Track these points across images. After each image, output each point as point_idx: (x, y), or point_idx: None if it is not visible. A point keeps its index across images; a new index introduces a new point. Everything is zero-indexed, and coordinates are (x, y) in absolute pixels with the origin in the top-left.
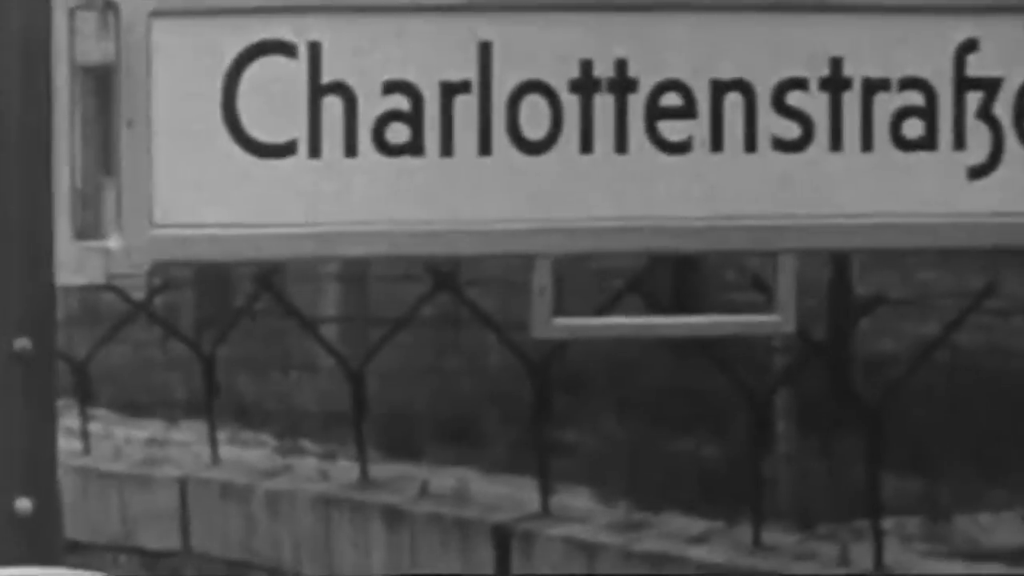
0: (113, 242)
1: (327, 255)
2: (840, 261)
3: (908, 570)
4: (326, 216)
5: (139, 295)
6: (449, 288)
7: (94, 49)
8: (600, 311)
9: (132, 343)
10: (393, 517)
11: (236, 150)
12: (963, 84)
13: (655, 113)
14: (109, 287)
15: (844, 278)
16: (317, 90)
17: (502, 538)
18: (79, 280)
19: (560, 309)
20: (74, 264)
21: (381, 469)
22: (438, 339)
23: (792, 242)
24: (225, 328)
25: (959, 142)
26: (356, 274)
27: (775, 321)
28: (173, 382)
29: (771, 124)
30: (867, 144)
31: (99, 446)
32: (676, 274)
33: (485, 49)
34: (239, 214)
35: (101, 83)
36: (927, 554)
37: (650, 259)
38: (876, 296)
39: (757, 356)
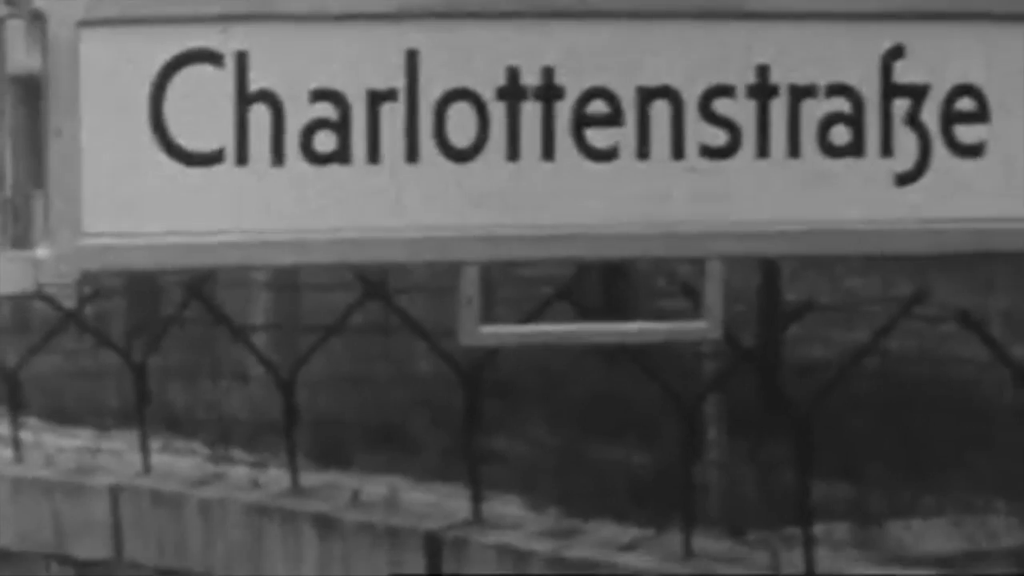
0: (42, 251)
1: (255, 263)
2: (769, 268)
3: None
4: (254, 224)
5: (70, 304)
6: (379, 296)
7: (23, 59)
8: (529, 318)
9: (63, 352)
10: (324, 525)
11: (164, 159)
12: (890, 91)
13: (582, 120)
14: (39, 296)
15: (773, 285)
16: (244, 98)
17: (433, 546)
18: (9, 289)
19: (489, 317)
20: (3, 274)
21: (312, 477)
22: (368, 347)
23: (720, 248)
24: (156, 336)
25: (886, 149)
26: (286, 282)
27: (702, 327)
28: (104, 390)
29: (698, 131)
30: (794, 151)
31: (30, 454)
32: (605, 281)
33: (412, 57)
34: (167, 223)
35: (30, 93)
36: (858, 560)
37: (579, 266)
38: (805, 302)
39: (687, 363)
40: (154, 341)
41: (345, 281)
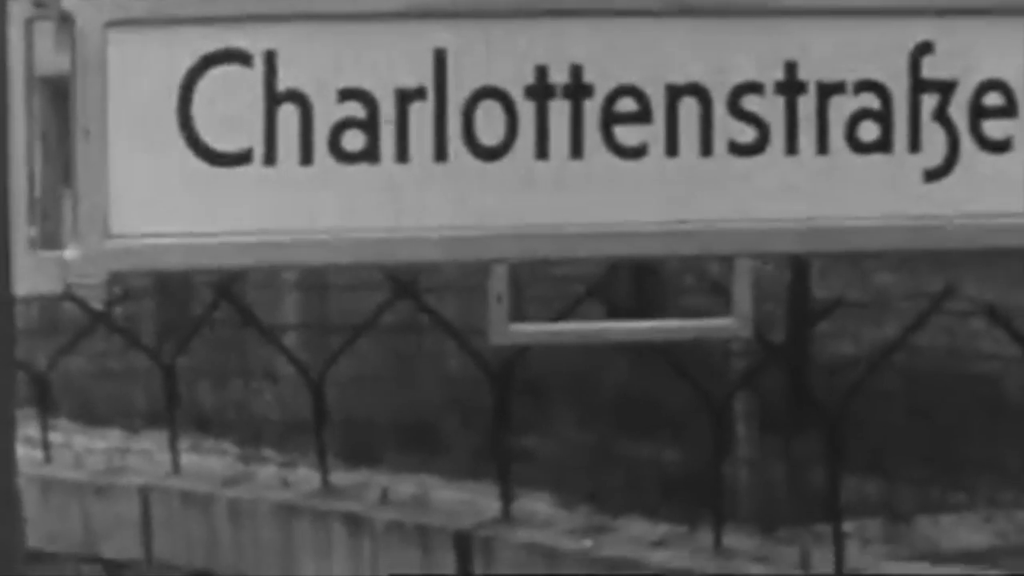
0: (70, 252)
1: (283, 264)
2: (799, 265)
3: (869, 572)
4: (282, 224)
5: (98, 305)
6: (409, 295)
7: (51, 60)
8: (560, 317)
9: (92, 353)
10: (354, 524)
11: (192, 159)
12: (918, 86)
13: (610, 118)
14: (68, 297)
15: (802, 282)
16: (272, 98)
17: (463, 544)
18: (36, 290)
19: (520, 315)
20: (32, 274)
21: (342, 477)
22: (398, 346)
23: (748, 246)
24: (185, 337)
25: (914, 144)
26: (315, 282)
27: (732, 325)
28: (134, 391)
29: (727, 128)
30: (822, 147)
31: (60, 456)
32: (636, 280)
33: (440, 56)
34: (195, 223)
35: (58, 94)
36: (888, 556)
37: (609, 265)
38: (834, 299)
39: (716, 361)
40: (183, 342)
41: (375, 281)
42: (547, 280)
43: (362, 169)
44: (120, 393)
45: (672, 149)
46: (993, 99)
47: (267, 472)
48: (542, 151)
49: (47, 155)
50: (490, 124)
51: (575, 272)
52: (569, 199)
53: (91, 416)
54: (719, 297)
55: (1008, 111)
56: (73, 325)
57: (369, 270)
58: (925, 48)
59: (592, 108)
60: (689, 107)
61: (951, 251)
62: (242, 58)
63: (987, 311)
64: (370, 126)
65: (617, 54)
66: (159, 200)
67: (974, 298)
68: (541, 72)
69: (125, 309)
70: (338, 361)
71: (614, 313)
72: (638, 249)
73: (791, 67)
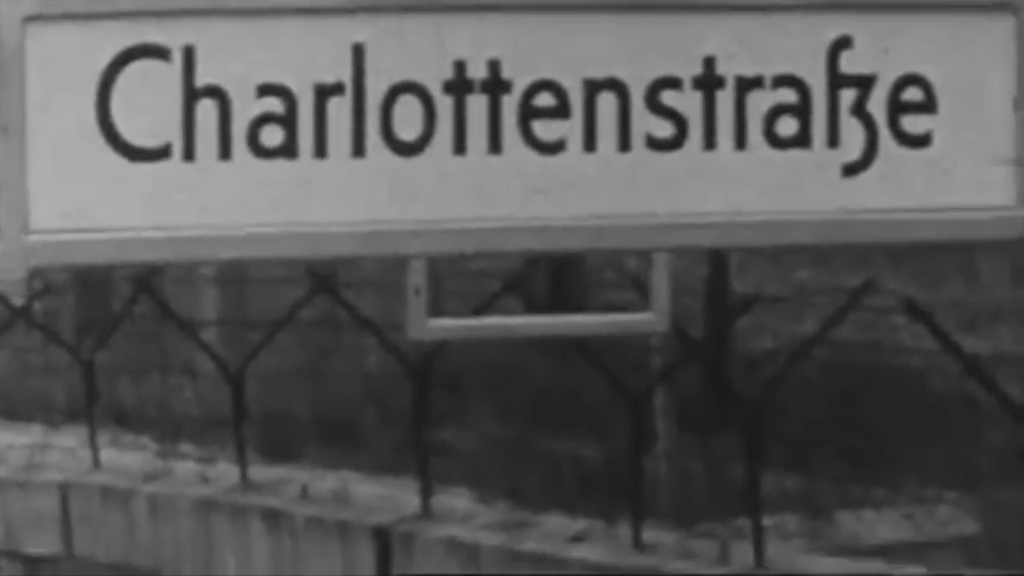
0: None
1: (202, 258)
2: (717, 260)
3: (789, 567)
4: (200, 219)
5: (19, 300)
6: (327, 290)
7: None
8: (477, 312)
9: (12, 348)
10: (274, 520)
11: (111, 154)
12: (837, 81)
13: (529, 113)
14: None
15: (721, 277)
16: (191, 93)
17: (383, 539)
18: None
19: (438, 310)
20: None
21: (261, 472)
22: (318, 342)
23: (666, 240)
24: (105, 333)
25: (833, 139)
26: (235, 277)
27: (650, 319)
28: (53, 387)
29: (645, 123)
30: (741, 142)
31: None
32: (554, 275)
33: (358, 51)
34: (114, 218)
35: None
36: (808, 551)
37: (527, 261)
38: (753, 294)
39: (635, 356)
40: (103, 337)
41: (294, 276)
42: (465, 275)
43: (280, 164)
44: (40, 389)
45: (590, 144)
46: (912, 94)
47: (186, 467)
48: (460, 146)
49: None
50: (408, 119)
51: (493, 267)
52: (487, 194)
53: (11, 412)
54: (638, 293)
55: (927, 106)
56: None
57: (287, 265)
58: (844, 43)
59: (510, 103)
60: (608, 102)
61: (870, 245)
62: (161, 53)
63: (906, 305)
64: (288, 121)
65: (535, 49)
66: (78, 195)
67: (894, 292)
68: (459, 67)
69: (45, 304)
70: (257, 356)
71: (532, 308)
72: (556, 243)
73: (709, 62)
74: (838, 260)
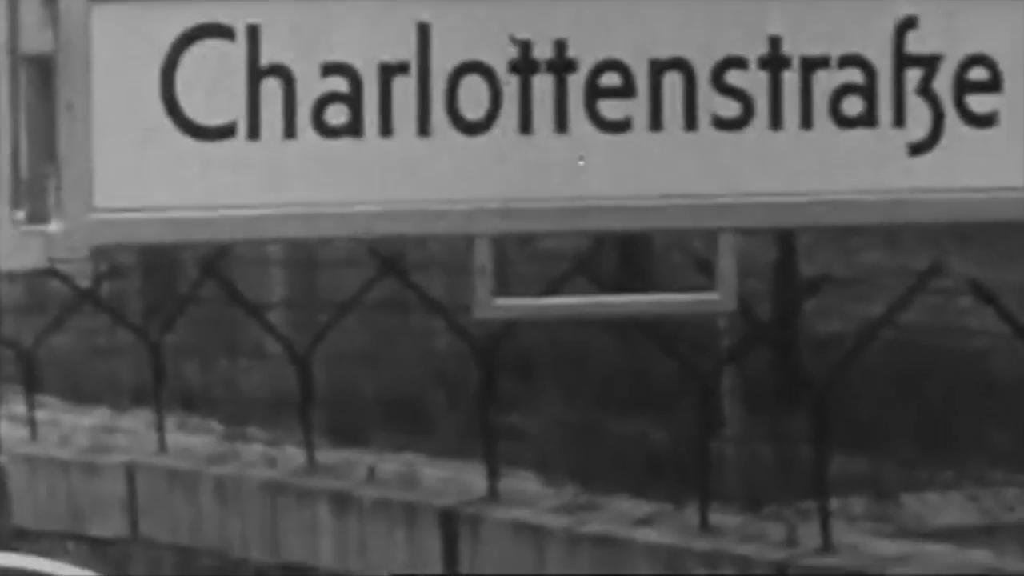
0: (54, 226)
1: (266, 237)
2: (785, 241)
3: (855, 549)
4: (265, 198)
5: (85, 282)
6: (394, 272)
7: (36, 38)
8: (546, 292)
9: (79, 331)
10: (340, 502)
11: (175, 133)
12: (902, 61)
13: (594, 93)
14: (55, 274)
15: (789, 258)
16: (256, 73)
17: (449, 522)
18: (20, 265)
19: (506, 291)
20: (16, 249)
21: (328, 455)
22: (385, 323)
23: (732, 220)
24: (171, 315)
25: (899, 119)
26: (302, 259)
27: (716, 299)
28: (120, 369)
29: (711, 103)
30: (807, 122)
31: (46, 433)
32: (623, 256)
33: (423, 31)
34: (179, 197)
35: (43, 72)
36: (874, 534)
37: (596, 241)
38: (821, 276)
39: (703, 338)
40: (170, 320)
41: (361, 257)
42: (533, 257)
43: (345, 143)
44: (107, 371)
45: (656, 123)
46: (978, 73)
47: (253, 450)
48: (526, 125)
49: (32, 132)
50: (473, 99)
51: (561, 248)
52: (553, 173)
53: (78, 394)
54: (704, 273)
55: (992, 85)
56: (60, 303)
57: (355, 246)
58: (909, 23)
59: (576, 82)
60: (673, 81)
61: (935, 225)
62: (225, 32)
63: (973, 287)
64: (353, 100)
65: (601, 29)
66: (143, 174)
67: (961, 274)
68: (525, 47)
69: (112, 286)
70: (324, 338)
71: (601, 290)
72: (622, 223)
73: (775, 42)
74: (905, 242)
